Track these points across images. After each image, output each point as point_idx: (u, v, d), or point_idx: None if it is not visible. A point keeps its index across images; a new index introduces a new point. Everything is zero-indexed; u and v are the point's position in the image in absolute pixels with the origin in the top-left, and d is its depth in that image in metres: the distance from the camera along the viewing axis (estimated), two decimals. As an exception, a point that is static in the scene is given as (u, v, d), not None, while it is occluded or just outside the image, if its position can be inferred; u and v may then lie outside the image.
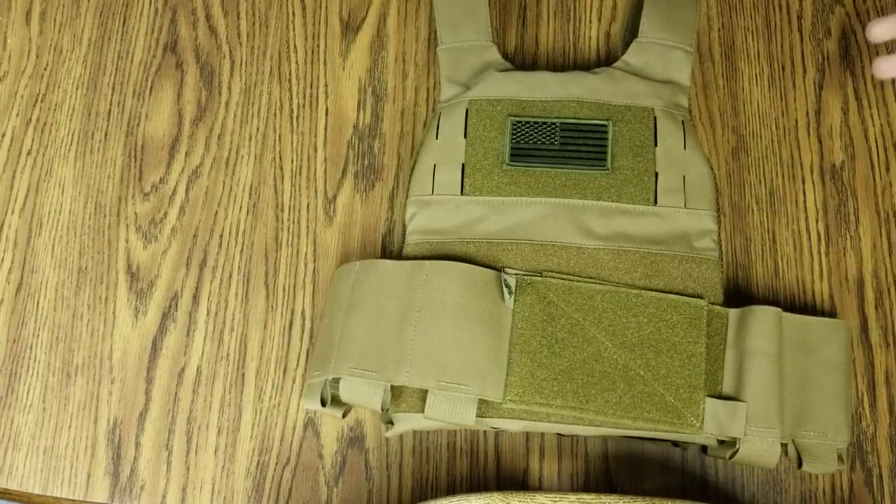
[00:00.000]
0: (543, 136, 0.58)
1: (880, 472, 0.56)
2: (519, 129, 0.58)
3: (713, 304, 0.54)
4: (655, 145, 0.57)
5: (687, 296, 0.54)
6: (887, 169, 0.62)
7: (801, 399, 0.53)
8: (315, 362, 0.55)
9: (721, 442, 0.53)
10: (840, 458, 0.53)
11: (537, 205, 0.56)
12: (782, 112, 0.64)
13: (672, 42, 0.61)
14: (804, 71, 0.64)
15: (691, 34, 0.61)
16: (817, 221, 0.61)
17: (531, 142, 0.58)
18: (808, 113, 0.64)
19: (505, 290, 0.54)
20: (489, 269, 0.54)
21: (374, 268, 0.55)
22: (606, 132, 0.58)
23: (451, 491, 0.57)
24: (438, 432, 0.58)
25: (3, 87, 0.66)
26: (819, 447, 0.53)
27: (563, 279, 0.54)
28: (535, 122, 0.58)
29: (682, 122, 0.59)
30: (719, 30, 0.66)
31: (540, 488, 0.57)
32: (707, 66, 0.65)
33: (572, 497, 0.51)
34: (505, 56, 0.64)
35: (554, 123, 0.58)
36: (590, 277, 0.55)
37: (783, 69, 0.65)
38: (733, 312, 0.54)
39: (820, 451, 0.53)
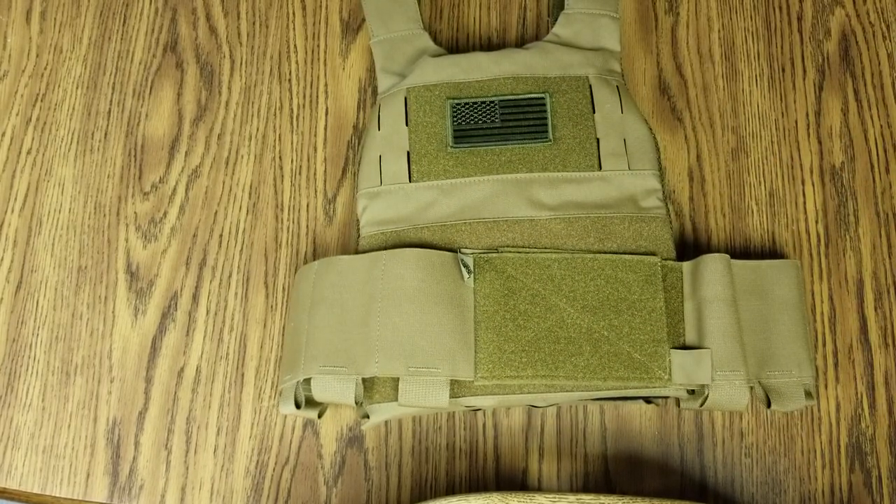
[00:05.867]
0: (484, 115, 0.59)
1: (879, 474, 0.56)
2: (459, 111, 0.59)
3: (666, 259, 0.56)
4: (593, 112, 0.59)
5: (640, 254, 0.55)
6: (887, 170, 0.62)
7: (762, 341, 0.55)
8: (285, 367, 0.55)
9: (691, 393, 0.54)
10: (808, 393, 0.55)
11: (486, 183, 0.57)
12: (782, 113, 0.64)
13: (598, 10, 0.62)
14: (804, 72, 0.65)
15: (616, 1, 0.62)
16: (817, 222, 0.61)
17: (472, 122, 0.59)
18: (807, 114, 0.64)
19: (463, 269, 0.55)
20: (445, 252, 0.55)
21: (332, 265, 0.56)
22: (545, 104, 0.59)
23: (451, 491, 0.57)
24: (437, 432, 0.58)
25: (3, 86, 0.66)
26: (785, 385, 0.54)
27: (519, 252, 0.55)
28: (475, 103, 0.59)
29: (617, 87, 0.60)
30: (719, 31, 0.66)
31: (539, 488, 0.57)
32: (707, 67, 0.65)
33: (571, 497, 0.51)
34: (437, 42, 0.64)
35: (493, 102, 0.59)
36: (545, 248, 0.56)
37: (783, 70, 0.65)
38: (686, 265, 0.56)
39: (786, 389, 0.54)
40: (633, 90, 0.64)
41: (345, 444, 0.58)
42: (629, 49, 0.65)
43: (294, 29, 0.67)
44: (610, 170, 0.57)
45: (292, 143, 0.64)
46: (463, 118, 0.59)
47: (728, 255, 0.55)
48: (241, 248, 0.62)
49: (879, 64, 0.65)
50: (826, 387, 0.58)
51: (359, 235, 0.58)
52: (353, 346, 0.53)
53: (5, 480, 0.58)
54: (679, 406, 0.56)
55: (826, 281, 0.60)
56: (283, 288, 0.61)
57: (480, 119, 0.59)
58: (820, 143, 0.63)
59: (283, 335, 0.60)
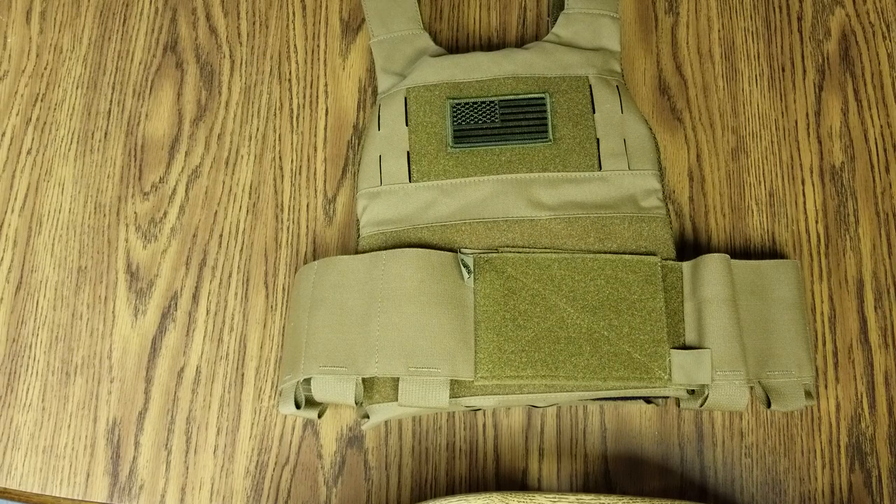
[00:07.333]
0: (484, 115, 0.59)
1: (879, 474, 0.56)
2: (459, 111, 0.59)
3: (666, 259, 0.56)
4: (593, 112, 0.59)
5: (640, 254, 0.55)
6: (887, 170, 0.62)
7: (762, 341, 0.54)
8: (285, 367, 0.55)
9: (691, 393, 0.54)
10: (808, 393, 0.55)
11: (486, 183, 0.57)
12: (782, 113, 0.64)
13: (598, 10, 0.62)
14: (804, 72, 0.65)
15: (616, 1, 0.62)
16: (817, 222, 0.61)
17: (472, 122, 0.59)
18: (807, 114, 0.64)
19: (463, 269, 0.55)
20: (445, 252, 0.55)
21: (332, 265, 0.56)
22: (545, 104, 0.59)
23: (451, 491, 0.57)
24: (437, 432, 0.58)
25: (3, 86, 0.66)
26: (785, 385, 0.54)
27: (519, 252, 0.55)
28: (475, 103, 0.59)
29: (617, 87, 0.60)
30: (719, 30, 0.66)
31: (539, 489, 0.57)
32: (707, 67, 0.65)
33: (571, 497, 0.51)
34: (437, 42, 0.64)
35: (493, 102, 0.59)
36: (545, 248, 0.56)
37: (783, 70, 0.65)
38: (686, 265, 0.55)
39: (786, 389, 0.54)
40: (633, 90, 0.64)
41: (345, 444, 0.58)
42: (629, 49, 0.65)
43: (294, 29, 0.67)
44: (610, 170, 0.57)
45: (292, 143, 0.64)
46: (463, 118, 0.59)
47: (728, 255, 0.55)
48: (241, 248, 0.62)
49: (879, 64, 0.65)
50: (826, 387, 0.58)
51: (359, 235, 0.58)
52: (353, 346, 0.53)
53: (5, 480, 0.58)
54: (679, 406, 0.56)
55: (826, 281, 0.60)
56: (283, 288, 0.61)
57: (480, 119, 0.59)
58: (820, 143, 0.63)
59: (282, 335, 0.60)
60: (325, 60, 0.66)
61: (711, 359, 0.53)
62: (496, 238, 0.56)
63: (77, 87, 0.66)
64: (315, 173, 0.63)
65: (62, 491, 0.57)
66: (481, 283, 0.54)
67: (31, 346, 0.60)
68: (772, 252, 0.61)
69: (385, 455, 0.57)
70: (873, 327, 0.59)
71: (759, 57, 0.65)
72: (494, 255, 0.55)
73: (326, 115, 0.65)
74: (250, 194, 0.63)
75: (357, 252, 0.57)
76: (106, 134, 0.65)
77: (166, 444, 0.58)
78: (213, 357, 0.59)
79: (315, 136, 0.64)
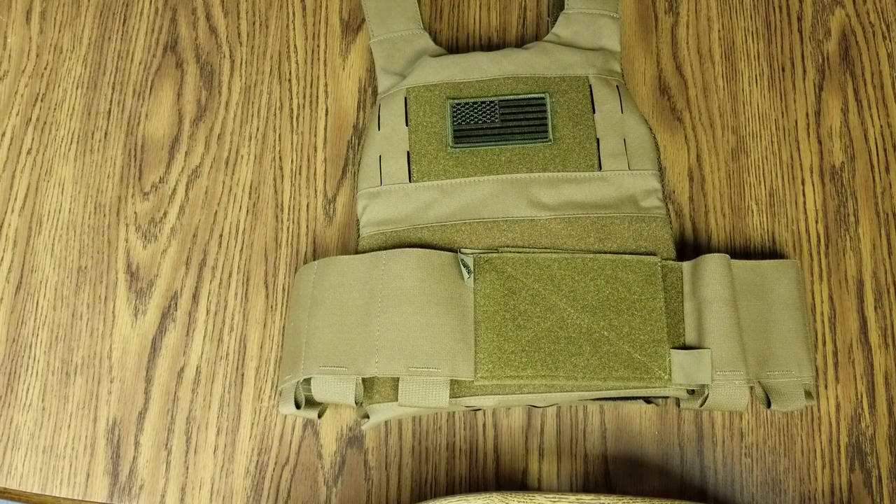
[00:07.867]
0: (484, 115, 0.59)
1: (879, 474, 0.56)
2: (459, 111, 0.59)
3: (666, 259, 0.56)
4: (593, 112, 0.59)
5: (640, 254, 0.55)
6: (887, 170, 0.62)
7: (762, 341, 0.54)
8: (285, 367, 0.55)
9: (691, 393, 0.54)
10: (808, 393, 0.55)
11: (486, 183, 0.57)
12: (782, 113, 0.64)
13: (598, 10, 0.62)
14: (804, 72, 0.65)
15: (616, 1, 0.62)
16: (817, 222, 0.61)
17: (472, 122, 0.59)
18: (807, 114, 0.64)
19: (463, 269, 0.55)
20: (445, 252, 0.55)
21: (332, 265, 0.56)
22: (545, 104, 0.59)
23: (450, 491, 0.57)
24: (437, 432, 0.58)
25: (3, 86, 0.66)
26: (785, 385, 0.54)
27: (519, 252, 0.55)
28: (475, 103, 0.59)
29: (617, 87, 0.60)
30: (719, 30, 0.66)
31: (539, 489, 0.57)
32: (707, 67, 0.65)
33: (571, 497, 0.51)
34: (437, 42, 0.64)
35: (493, 102, 0.59)
36: (545, 248, 0.56)
37: (783, 70, 0.65)
38: (686, 265, 0.56)
39: (786, 389, 0.54)
40: (633, 90, 0.64)
41: (345, 444, 0.58)
42: (629, 49, 0.65)
43: (294, 29, 0.67)
44: (610, 170, 0.57)
45: (292, 143, 0.64)
46: (463, 118, 0.59)
47: (728, 255, 0.55)
48: (241, 248, 0.62)
49: (879, 64, 0.65)
50: (826, 387, 0.58)
51: (359, 235, 0.58)
52: (353, 346, 0.53)
53: (5, 480, 0.58)
54: (679, 406, 0.56)
55: (826, 281, 0.60)
56: (283, 288, 0.61)
57: (480, 119, 0.59)
58: (820, 143, 0.63)
59: (282, 335, 0.60)
60: (325, 60, 0.66)
61: (711, 359, 0.53)
62: (496, 238, 0.56)
63: (77, 87, 0.66)
64: (315, 173, 0.63)
65: (62, 491, 0.57)
66: (481, 283, 0.54)
67: (31, 346, 0.60)
68: (772, 252, 0.61)
69: (385, 455, 0.57)
70: (873, 327, 0.59)
71: (759, 57, 0.65)
72: (494, 255, 0.55)
73: (326, 115, 0.65)
74: (250, 194, 0.63)
75: (357, 252, 0.57)
76: (106, 134, 0.65)
77: (166, 444, 0.58)
78: (213, 357, 0.59)
79: (315, 136, 0.64)
